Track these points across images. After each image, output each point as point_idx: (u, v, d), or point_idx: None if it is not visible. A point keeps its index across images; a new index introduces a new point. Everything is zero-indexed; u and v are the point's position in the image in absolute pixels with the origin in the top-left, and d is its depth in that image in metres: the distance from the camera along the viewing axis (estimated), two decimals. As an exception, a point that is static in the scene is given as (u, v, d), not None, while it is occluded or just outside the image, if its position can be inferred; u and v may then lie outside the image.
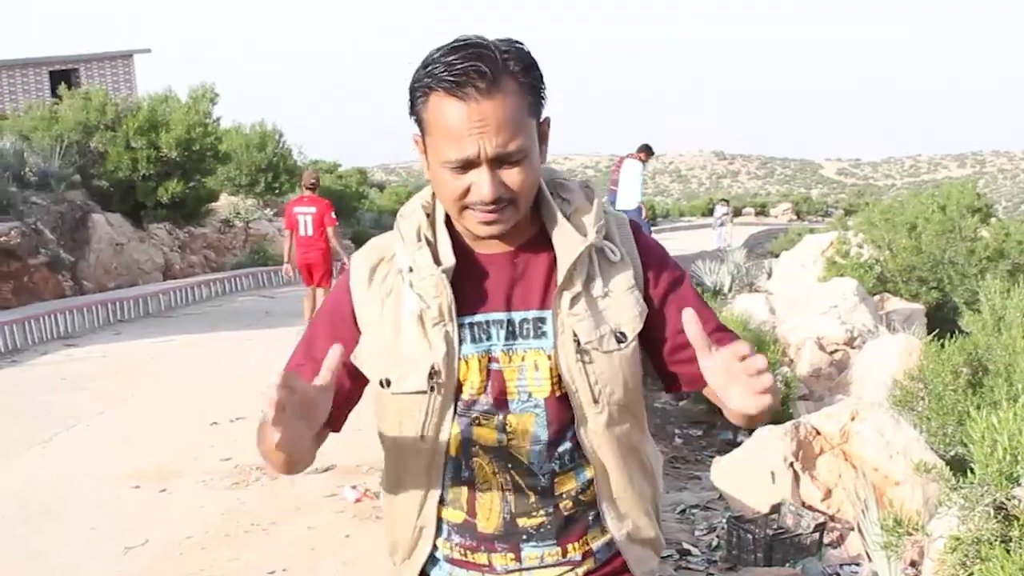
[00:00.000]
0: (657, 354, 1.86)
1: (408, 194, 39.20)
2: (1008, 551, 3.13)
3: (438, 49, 1.68)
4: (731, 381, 1.60)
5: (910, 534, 3.82)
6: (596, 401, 1.76)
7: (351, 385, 1.84)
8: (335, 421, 1.84)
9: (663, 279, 1.86)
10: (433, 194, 1.82)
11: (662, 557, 5.00)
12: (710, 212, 43.93)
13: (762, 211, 59.59)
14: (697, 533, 5.34)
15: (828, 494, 5.43)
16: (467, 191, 1.68)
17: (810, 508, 5.32)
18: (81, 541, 5.46)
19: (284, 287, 20.21)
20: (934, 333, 8.10)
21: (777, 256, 18.68)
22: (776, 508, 5.27)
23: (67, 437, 7.68)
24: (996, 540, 3.25)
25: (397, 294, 1.79)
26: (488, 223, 1.70)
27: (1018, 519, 3.24)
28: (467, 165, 1.66)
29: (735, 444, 6.69)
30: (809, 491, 5.42)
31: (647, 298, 1.83)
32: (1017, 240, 12.16)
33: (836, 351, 9.67)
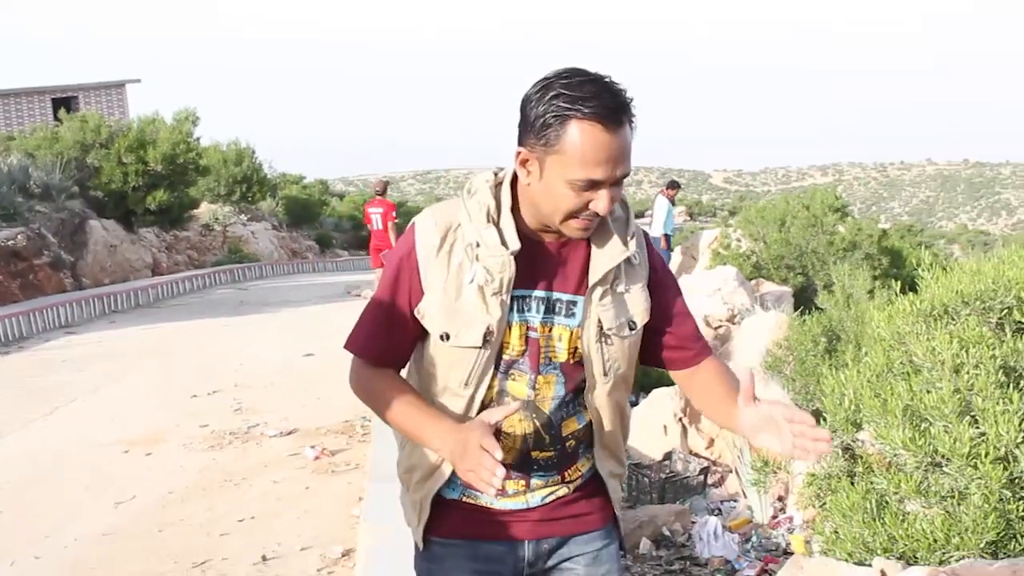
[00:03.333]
0: (648, 337, 1.92)
1: (364, 202, 38.66)
2: (852, 483, 3.20)
3: (561, 77, 1.66)
4: (766, 428, 1.71)
5: (775, 472, 3.88)
6: (606, 373, 1.85)
7: (415, 333, 1.86)
8: (404, 361, 1.92)
9: (664, 285, 1.93)
10: (498, 184, 1.82)
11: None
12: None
13: (661, 213, 59.95)
14: (603, 478, 5.36)
15: (711, 443, 5.49)
16: (584, 207, 1.69)
17: (696, 455, 5.39)
18: (77, 498, 5.36)
19: (256, 280, 20.00)
20: (799, 310, 8.22)
21: (672, 250, 18.85)
22: (668, 456, 5.33)
23: (67, 410, 7.52)
24: (843, 475, 3.31)
25: (464, 264, 1.79)
26: (586, 229, 1.74)
27: (861, 458, 3.30)
28: (594, 185, 1.67)
29: (634, 404, 6.73)
30: (695, 441, 5.48)
31: (651, 294, 1.90)
32: (868, 235, 12.38)
33: (720, 327, 9.77)
